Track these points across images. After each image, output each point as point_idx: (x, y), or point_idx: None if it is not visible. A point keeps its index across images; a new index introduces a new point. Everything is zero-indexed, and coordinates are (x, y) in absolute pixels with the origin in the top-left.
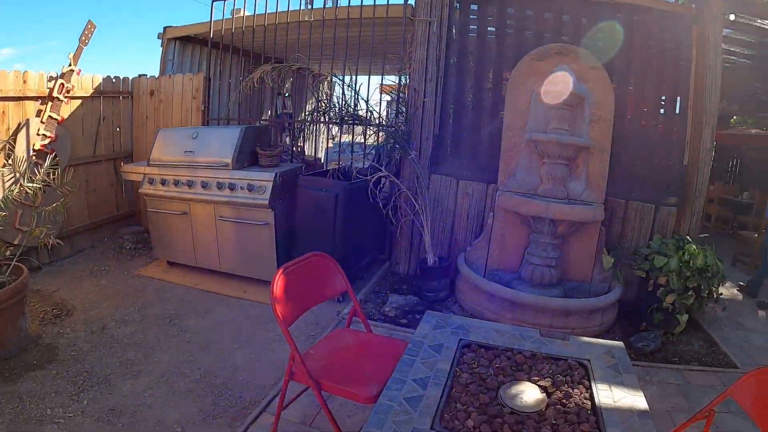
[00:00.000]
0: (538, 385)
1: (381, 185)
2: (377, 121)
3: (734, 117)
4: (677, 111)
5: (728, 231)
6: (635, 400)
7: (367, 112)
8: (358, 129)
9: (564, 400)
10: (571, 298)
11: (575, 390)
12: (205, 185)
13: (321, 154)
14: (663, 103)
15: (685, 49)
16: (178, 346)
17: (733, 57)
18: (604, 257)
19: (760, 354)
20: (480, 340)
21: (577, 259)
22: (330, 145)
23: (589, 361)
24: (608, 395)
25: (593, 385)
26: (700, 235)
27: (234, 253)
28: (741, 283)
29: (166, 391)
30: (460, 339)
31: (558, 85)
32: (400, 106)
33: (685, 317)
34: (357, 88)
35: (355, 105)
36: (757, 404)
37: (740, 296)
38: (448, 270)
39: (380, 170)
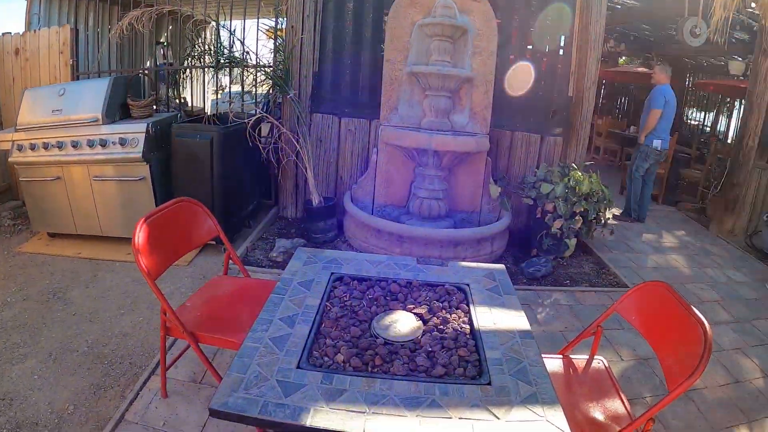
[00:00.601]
0: (414, 313)
1: (269, 132)
2: (255, 63)
3: (623, 57)
4: (562, 44)
5: (617, 163)
6: (516, 320)
7: (243, 53)
8: (256, 79)
9: (441, 326)
10: (477, 227)
11: (453, 315)
12: (75, 144)
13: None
14: (548, 38)
15: None
16: (63, 320)
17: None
18: (491, 187)
19: (648, 273)
20: (353, 272)
21: (465, 191)
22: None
23: (468, 285)
24: (488, 318)
25: (472, 308)
26: (586, 163)
27: (114, 214)
28: (615, 213)
29: (56, 371)
30: (332, 273)
31: (440, 17)
32: (277, 44)
33: (573, 241)
34: (233, 30)
35: (231, 47)
36: (640, 316)
37: (627, 220)
38: (335, 209)
39: (258, 112)
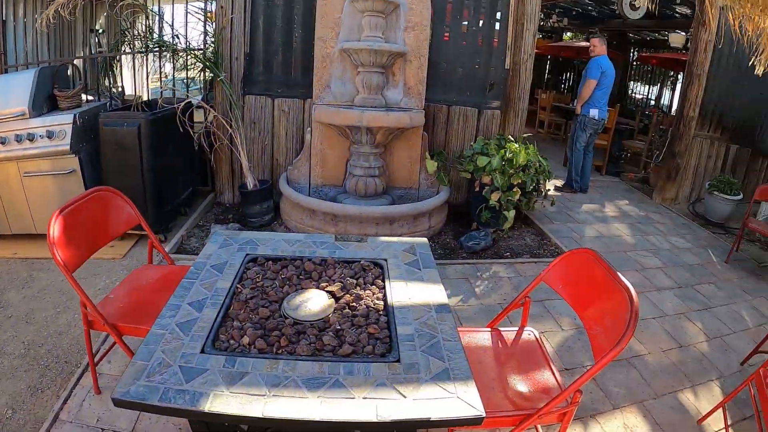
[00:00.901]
0: (326, 291)
1: (206, 117)
2: (186, 47)
3: (569, 33)
4: (498, 17)
5: (561, 136)
6: (434, 294)
7: (173, 37)
8: (186, 63)
9: (354, 303)
10: (412, 203)
11: (367, 291)
12: (3, 141)
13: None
14: (484, 10)
15: None
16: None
17: None
18: (427, 162)
19: (590, 242)
20: (269, 252)
21: (402, 167)
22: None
23: (386, 260)
24: (404, 293)
25: (387, 283)
26: (524, 135)
27: (47, 211)
28: (557, 184)
29: None
30: (247, 254)
31: None
32: (207, 27)
33: (512, 213)
34: (162, 14)
35: (161, 31)
36: (567, 286)
37: (571, 192)
38: (270, 192)
39: (188, 97)
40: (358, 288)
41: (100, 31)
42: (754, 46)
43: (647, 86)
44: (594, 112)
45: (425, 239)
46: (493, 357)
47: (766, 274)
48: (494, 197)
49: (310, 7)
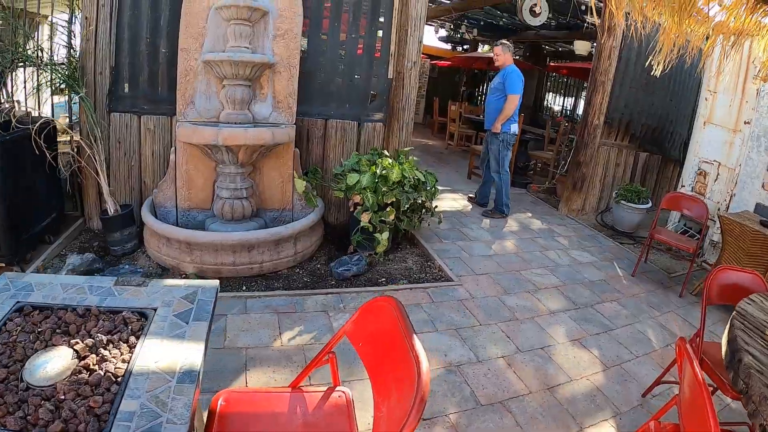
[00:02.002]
0: (74, 350)
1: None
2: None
3: (485, 46)
4: (380, 24)
5: (471, 148)
6: (188, 356)
7: (37, 50)
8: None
9: (94, 366)
10: (272, 228)
11: (115, 351)
12: None
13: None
14: (365, 15)
15: None
16: None
17: None
18: (296, 181)
19: (478, 262)
20: (39, 300)
21: (273, 187)
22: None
23: (155, 310)
24: (154, 354)
25: (141, 341)
26: (405, 149)
27: None
28: (470, 195)
29: None
30: (18, 302)
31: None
32: (69, 39)
33: (385, 235)
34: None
35: (24, 44)
36: (365, 344)
37: (470, 207)
38: (131, 217)
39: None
40: (110, 346)
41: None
42: (651, 44)
43: (563, 97)
44: (515, 128)
45: (215, 282)
46: (287, 427)
47: (677, 286)
48: (365, 218)
49: (177, 16)
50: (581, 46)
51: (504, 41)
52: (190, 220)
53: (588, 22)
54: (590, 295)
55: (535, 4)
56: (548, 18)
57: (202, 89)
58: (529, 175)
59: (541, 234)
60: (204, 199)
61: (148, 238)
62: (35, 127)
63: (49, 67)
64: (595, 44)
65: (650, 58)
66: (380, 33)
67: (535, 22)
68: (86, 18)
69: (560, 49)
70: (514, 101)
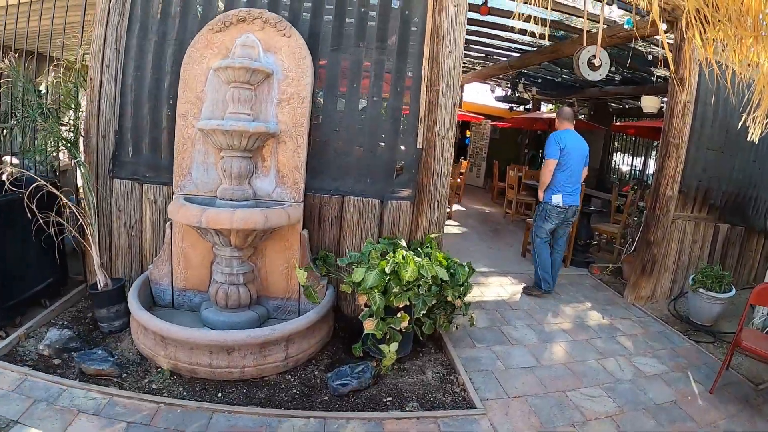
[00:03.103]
0: None
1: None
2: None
3: (549, 105)
4: (407, 84)
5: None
6: None
7: (45, 110)
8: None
9: None
10: (277, 320)
11: None
12: None
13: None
14: (388, 73)
15: (416, 10)
16: None
17: (528, 38)
18: (297, 271)
19: (514, 378)
20: None
21: (277, 272)
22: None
23: None
24: None
25: None
26: (433, 235)
27: None
28: (525, 285)
29: None
30: None
31: (236, 59)
32: (76, 101)
33: (393, 347)
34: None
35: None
36: None
37: (518, 295)
38: (122, 293)
39: (37, 180)
40: None
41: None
42: (745, 100)
43: (632, 156)
44: (557, 199)
45: None
46: None
47: (766, 405)
48: (369, 325)
49: (179, 78)
50: (649, 103)
51: (563, 107)
52: (186, 302)
53: (656, 76)
54: (654, 427)
55: (593, 56)
56: (610, 72)
57: (200, 159)
58: (592, 253)
59: (601, 333)
60: (201, 279)
61: (131, 320)
62: (28, 191)
63: (51, 127)
64: (665, 100)
65: (742, 116)
66: (408, 95)
67: (595, 76)
68: (90, 79)
69: (627, 106)
70: (546, 166)
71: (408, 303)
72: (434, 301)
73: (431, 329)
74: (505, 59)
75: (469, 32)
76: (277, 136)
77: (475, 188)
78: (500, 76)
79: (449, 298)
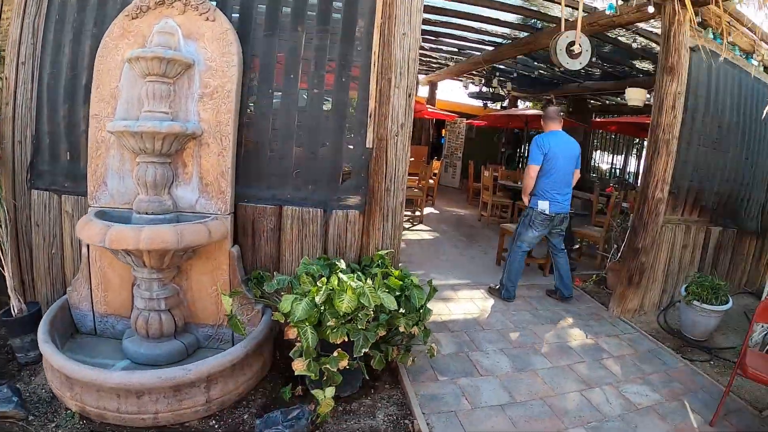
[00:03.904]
0: None
1: None
2: None
3: (526, 102)
4: (353, 72)
5: (509, 218)
6: None
7: None
8: None
9: None
10: (210, 350)
11: None
12: None
13: None
14: (332, 60)
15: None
16: None
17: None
18: (223, 297)
19: (482, 420)
20: None
21: (205, 296)
22: None
23: None
24: None
25: None
26: (384, 252)
27: None
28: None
29: None
30: None
31: (152, 48)
32: None
33: (330, 392)
34: None
35: None
36: None
37: (491, 312)
38: (38, 320)
39: None
40: None
41: None
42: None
43: (612, 155)
44: (543, 206)
45: None
46: None
47: None
48: (298, 366)
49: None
50: (635, 95)
51: (548, 106)
52: (108, 329)
53: (640, 69)
54: None
55: (573, 43)
56: (590, 65)
57: (115, 167)
58: (574, 259)
59: (585, 355)
60: (123, 303)
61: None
62: None
63: None
64: (653, 92)
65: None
66: (355, 86)
67: (574, 65)
68: (5, 78)
69: (607, 102)
70: (528, 173)
71: (345, 339)
72: (383, 333)
73: (381, 364)
74: (479, 53)
75: (440, 24)
76: (198, 138)
77: (451, 189)
78: (474, 72)
79: (402, 328)
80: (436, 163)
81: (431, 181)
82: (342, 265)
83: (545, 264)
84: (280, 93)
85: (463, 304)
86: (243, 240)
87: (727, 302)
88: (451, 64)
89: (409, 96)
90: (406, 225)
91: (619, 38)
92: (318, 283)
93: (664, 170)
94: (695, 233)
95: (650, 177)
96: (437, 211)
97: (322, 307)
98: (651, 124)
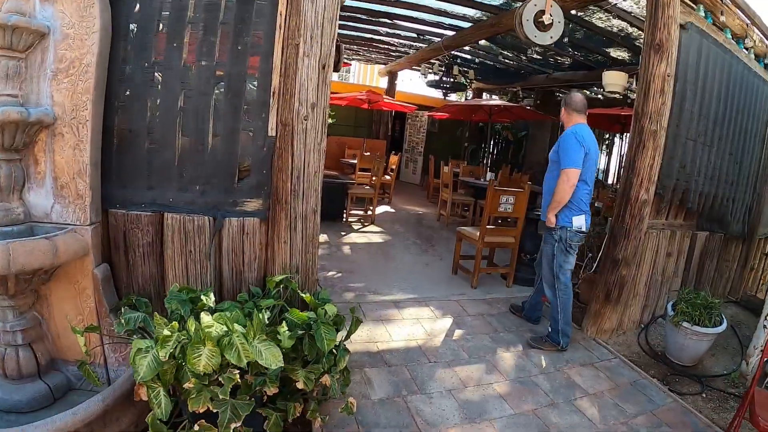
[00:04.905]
0: None
1: None
2: None
3: (492, 95)
4: (253, 40)
5: (471, 220)
6: None
7: None
8: None
9: None
10: (83, 392)
11: None
12: None
13: None
14: (224, 24)
15: None
16: None
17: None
18: (77, 337)
19: None
20: None
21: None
22: None
23: None
24: None
25: None
26: (277, 278)
27: None
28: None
29: None
30: None
31: None
32: None
33: None
34: None
35: None
36: None
37: (441, 336)
38: None
39: None
40: None
41: None
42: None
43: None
44: (579, 222)
45: None
46: None
47: None
48: None
49: None
50: (614, 80)
51: (571, 93)
52: None
53: (614, 58)
54: None
55: (542, 12)
56: (563, 46)
57: None
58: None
59: (554, 394)
60: None
61: None
62: None
63: None
64: (635, 76)
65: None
66: (255, 57)
67: (544, 38)
68: None
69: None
70: (569, 179)
71: (207, 408)
72: (274, 391)
73: (278, 428)
74: (439, 39)
75: (398, 5)
76: (51, 126)
77: (412, 186)
78: (433, 60)
79: (300, 385)
80: (393, 158)
81: (387, 177)
82: (211, 298)
83: (508, 274)
84: (160, 68)
85: (408, 326)
86: (116, 257)
87: (721, 323)
88: (411, 52)
89: (324, 68)
90: (356, 226)
91: (594, 20)
92: (167, 329)
93: (650, 167)
94: (680, 239)
95: (633, 175)
96: (393, 210)
97: (178, 361)
98: (635, 112)
